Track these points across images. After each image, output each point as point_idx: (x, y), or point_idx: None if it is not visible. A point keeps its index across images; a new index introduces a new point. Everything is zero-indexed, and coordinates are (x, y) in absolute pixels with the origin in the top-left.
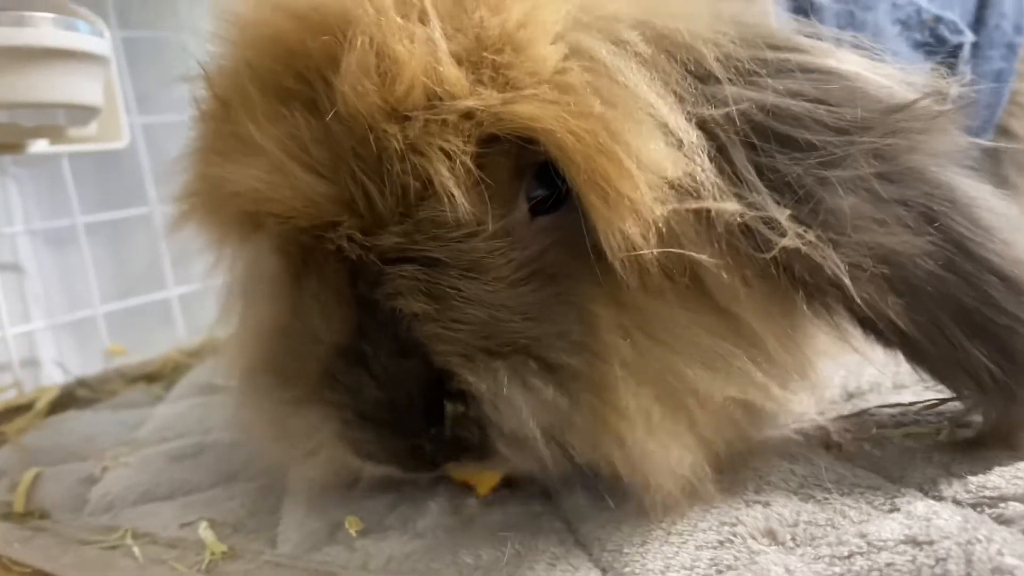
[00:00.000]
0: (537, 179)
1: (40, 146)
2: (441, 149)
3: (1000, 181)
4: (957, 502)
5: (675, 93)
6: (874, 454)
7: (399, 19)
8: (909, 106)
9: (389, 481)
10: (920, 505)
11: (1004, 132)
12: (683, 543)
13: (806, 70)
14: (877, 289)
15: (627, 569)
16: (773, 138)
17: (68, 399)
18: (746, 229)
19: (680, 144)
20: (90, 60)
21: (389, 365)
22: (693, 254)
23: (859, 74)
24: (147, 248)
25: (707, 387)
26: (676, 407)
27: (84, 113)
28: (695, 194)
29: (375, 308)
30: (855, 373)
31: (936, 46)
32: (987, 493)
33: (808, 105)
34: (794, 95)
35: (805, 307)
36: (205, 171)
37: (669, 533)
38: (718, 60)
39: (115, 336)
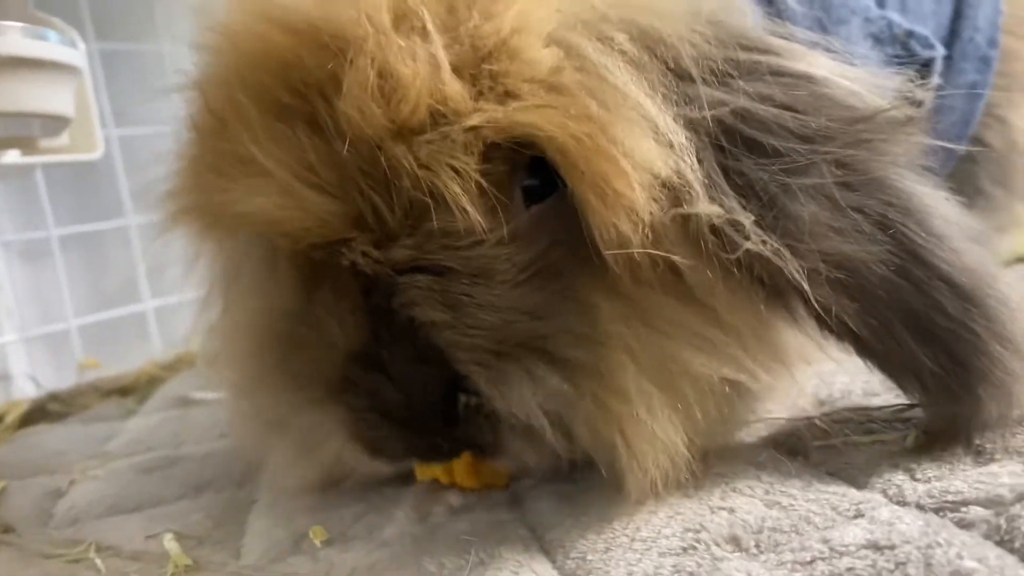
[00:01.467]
0: (527, 170)
1: (11, 157)
2: (450, 166)
3: (974, 191)
4: (920, 507)
5: (661, 93)
6: (841, 460)
7: (399, 39)
8: (873, 116)
9: (360, 488)
10: (884, 511)
11: (979, 143)
12: (647, 550)
13: (776, 73)
14: (832, 293)
15: None
16: (741, 142)
17: (39, 413)
18: (714, 230)
19: (669, 144)
20: (60, 70)
21: (407, 370)
22: (671, 255)
23: (828, 79)
24: (123, 261)
25: (700, 369)
26: (673, 389)
27: (55, 123)
28: (682, 194)
29: (391, 317)
30: (827, 382)
31: (907, 60)
32: (949, 498)
33: (775, 111)
34: (763, 99)
35: (763, 306)
36: (201, 189)
37: (633, 540)
38: (693, 59)
39: (90, 350)
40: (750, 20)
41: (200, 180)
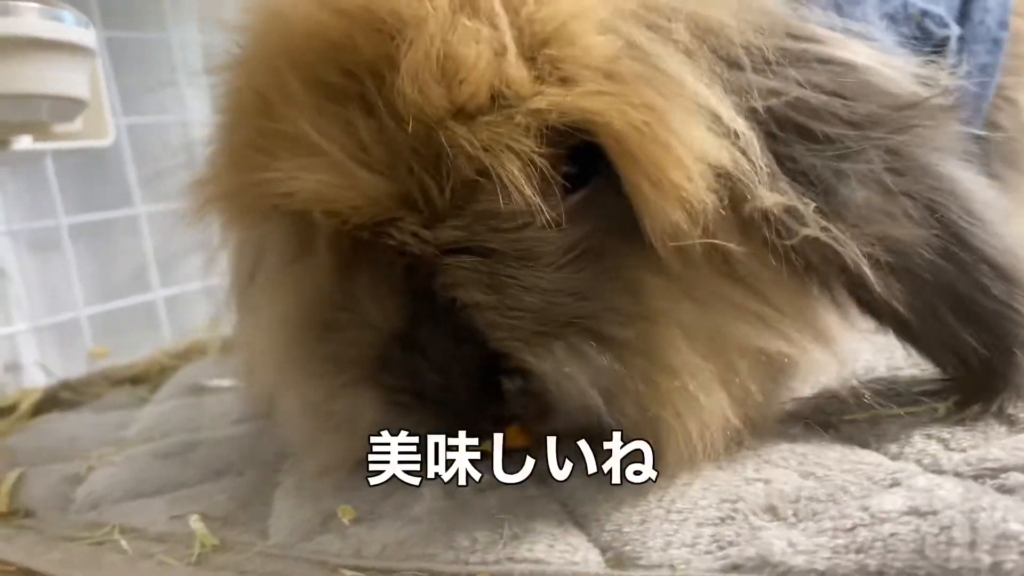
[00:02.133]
0: (570, 156)
1: (24, 143)
2: (511, 149)
3: (988, 174)
4: (958, 475)
5: (717, 82)
6: (872, 433)
7: (464, 20)
8: (919, 103)
9: None
10: (921, 479)
11: (991, 125)
12: (683, 520)
13: (823, 61)
14: (883, 276)
15: (627, 548)
16: (792, 128)
17: (51, 401)
18: (767, 216)
19: (729, 134)
20: (76, 51)
21: (446, 350)
22: (726, 243)
23: (870, 67)
24: (132, 250)
25: (750, 341)
26: (724, 361)
27: (71, 106)
28: (743, 184)
29: (432, 298)
30: (850, 360)
31: (923, 40)
32: (988, 465)
33: (825, 98)
34: (813, 87)
35: (816, 290)
36: (243, 168)
37: (669, 511)
38: (744, 47)
39: (100, 339)
40: (781, 6)
41: (241, 160)
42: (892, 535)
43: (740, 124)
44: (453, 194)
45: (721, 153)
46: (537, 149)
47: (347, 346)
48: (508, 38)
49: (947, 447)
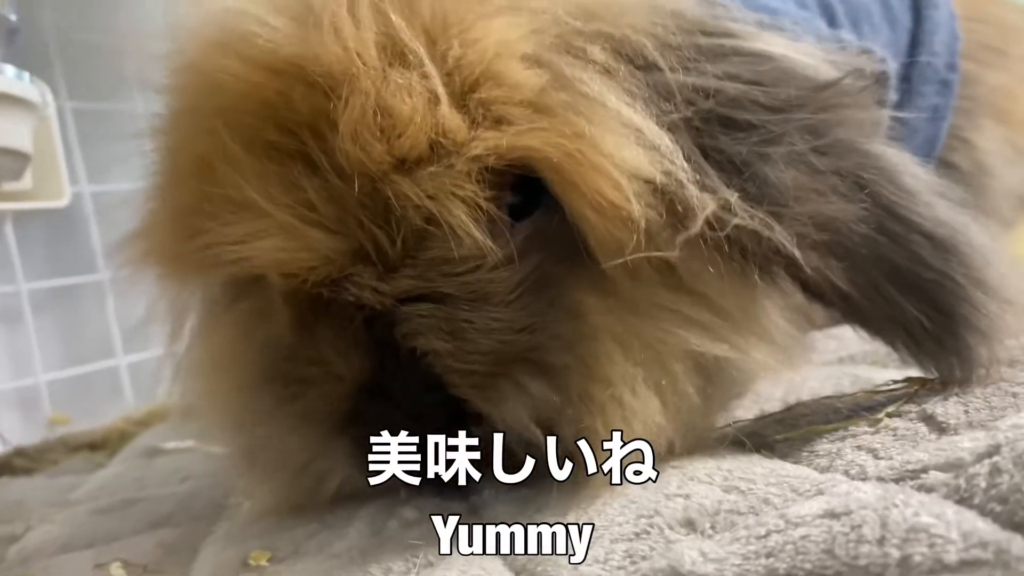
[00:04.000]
0: (511, 189)
1: None
2: (456, 195)
3: None
4: (880, 479)
5: (638, 96)
6: (805, 449)
7: (395, 75)
8: (835, 83)
9: (316, 510)
10: (843, 486)
11: (946, 166)
12: (598, 537)
13: (739, 53)
14: (819, 255)
15: (539, 568)
16: (716, 120)
17: (3, 467)
18: (701, 216)
19: (655, 147)
20: (16, 104)
21: (415, 398)
22: (666, 253)
23: (785, 55)
24: (97, 316)
25: (689, 347)
26: (661, 368)
27: (15, 162)
28: (674, 194)
29: (395, 348)
30: (796, 388)
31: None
32: (910, 467)
33: (744, 87)
34: (731, 78)
35: (757, 278)
36: (187, 234)
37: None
38: (659, 50)
39: (64, 406)
40: (701, 8)
41: (185, 224)
42: (803, 537)
43: (663, 137)
44: (404, 244)
45: (651, 167)
46: (480, 193)
47: (317, 400)
48: (439, 87)
49: (876, 456)
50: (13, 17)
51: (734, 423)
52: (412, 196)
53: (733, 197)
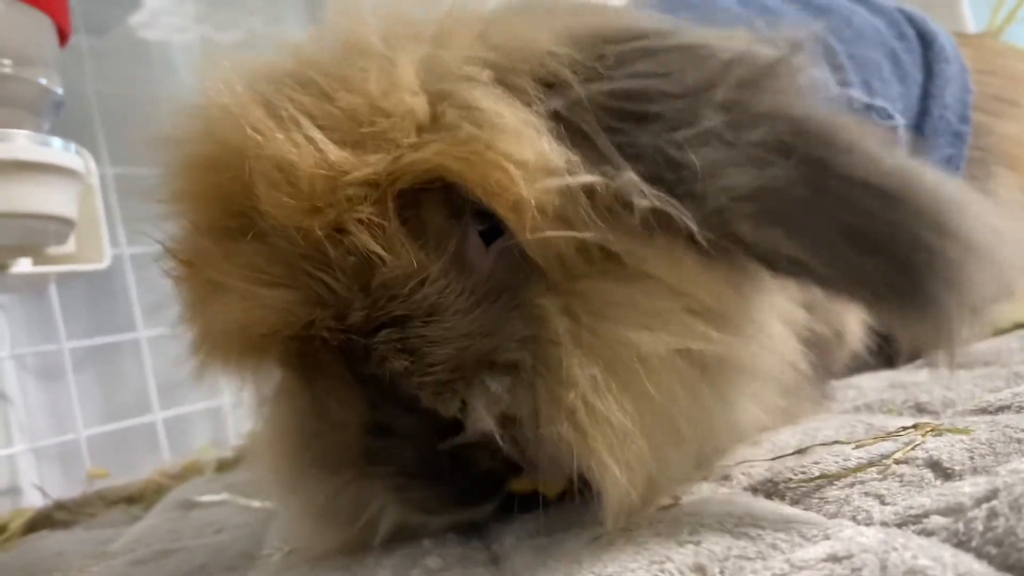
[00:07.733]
0: (480, 215)
1: (23, 266)
2: (357, 221)
3: None
4: (884, 524)
5: (527, 102)
6: (816, 496)
7: (280, 133)
8: (744, 58)
9: (344, 559)
10: (848, 531)
11: None
12: None
13: (648, 53)
14: (752, 226)
15: None
16: (627, 117)
17: (45, 521)
18: (624, 202)
19: (549, 143)
20: (63, 174)
21: (409, 424)
22: (583, 234)
23: (698, 43)
24: (135, 372)
25: (650, 346)
26: (623, 370)
27: (61, 228)
28: (567, 176)
29: (375, 379)
30: (810, 434)
31: None
32: (912, 512)
33: (650, 81)
34: (638, 76)
35: (707, 264)
36: (198, 323)
37: (598, 575)
38: (565, 67)
39: (102, 461)
40: (616, 19)
41: (196, 317)
42: None
43: (547, 127)
44: (348, 280)
45: (545, 158)
46: (378, 212)
47: (334, 450)
48: (316, 130)
49: (882, 502)
50: (59, 91)
51: (749, 469)
52: (334, 234)
53: (633, 180)
